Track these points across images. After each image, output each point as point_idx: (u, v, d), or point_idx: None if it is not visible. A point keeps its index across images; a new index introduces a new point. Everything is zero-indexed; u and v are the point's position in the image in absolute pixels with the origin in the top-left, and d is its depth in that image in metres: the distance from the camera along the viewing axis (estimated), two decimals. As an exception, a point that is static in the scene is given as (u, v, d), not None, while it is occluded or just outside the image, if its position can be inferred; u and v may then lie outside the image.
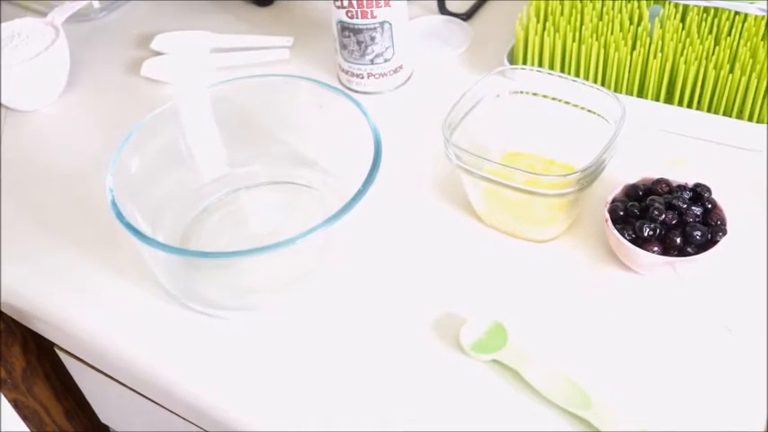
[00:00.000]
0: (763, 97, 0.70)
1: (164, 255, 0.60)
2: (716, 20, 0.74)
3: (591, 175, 0.60)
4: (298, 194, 0.72)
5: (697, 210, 0.61)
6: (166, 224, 0.67)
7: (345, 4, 0.75)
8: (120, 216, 0.59)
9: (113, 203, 0.60)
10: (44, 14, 0.87)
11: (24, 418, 0.81)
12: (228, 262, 0.59)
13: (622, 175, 0.65)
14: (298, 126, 0.72)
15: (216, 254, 0.61)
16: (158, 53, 0.89)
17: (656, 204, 0.61)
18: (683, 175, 0.64)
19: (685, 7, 0.77)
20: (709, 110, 0.72)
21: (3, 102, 0.84)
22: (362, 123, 0.64)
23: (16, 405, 0.80)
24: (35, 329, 0.70)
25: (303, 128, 0.72)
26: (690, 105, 0.73)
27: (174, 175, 0.70)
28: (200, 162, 0.72)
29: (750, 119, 0.71)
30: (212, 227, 0.69)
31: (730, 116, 0.71)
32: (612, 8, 0.77)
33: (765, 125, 0.70)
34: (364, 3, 0.75)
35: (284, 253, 0.57)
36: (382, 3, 0.75)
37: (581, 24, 0.76)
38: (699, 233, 0.60)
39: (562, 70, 0.77)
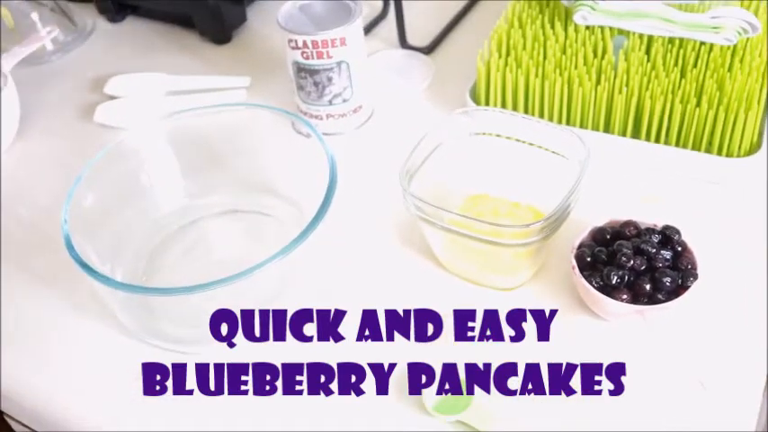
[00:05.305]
0: (732, 130, 0.68)
1: (122, 293, 0.58)
2: (681, 50, 0.73)
3: (555, 223, 0.58)
4: (259, 223, 0.71)
5: (666, 254, 0.59)
6: (127, 259, 0.66)
7: (300, 44, 0.72)
8: (77, 259, 0.57)
9: (69, 245, 0.58)
10: (-6, 59, 0.85)
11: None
12: (186, 297, 0.56)
13: (590, 215, 0.63)
14: (255, 154, 0.70)
15: (171, 290, 0.56)
16: (112, 97, 0.86)
17: (624, 250, 0.58)
18: (651, 215, 0.62)
19: (650, 38, 0.75)
20: (677, 144, 0.70)
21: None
22: (319, 149, 0.64)
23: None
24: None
25: (261, 155, 0.70)
26: (657, 140, 0.71)
27: (134, 209, 0.69)
28: (158, 194, 0.70)
29: (719, 152, 0.69)
30: (174, 259, 0.68)
31: (698, 150, 0.69)
32: (576, 41, 0.75)
33: (734, 159, 0.68)
34: (319, 43, 0.72)
35: (243, 283, 0.55)
36: (338, 43, 0.72)
37: (544, 58, 0.74)
38: (669, 279, 0.57)
39: (525, 106, 0.75)
